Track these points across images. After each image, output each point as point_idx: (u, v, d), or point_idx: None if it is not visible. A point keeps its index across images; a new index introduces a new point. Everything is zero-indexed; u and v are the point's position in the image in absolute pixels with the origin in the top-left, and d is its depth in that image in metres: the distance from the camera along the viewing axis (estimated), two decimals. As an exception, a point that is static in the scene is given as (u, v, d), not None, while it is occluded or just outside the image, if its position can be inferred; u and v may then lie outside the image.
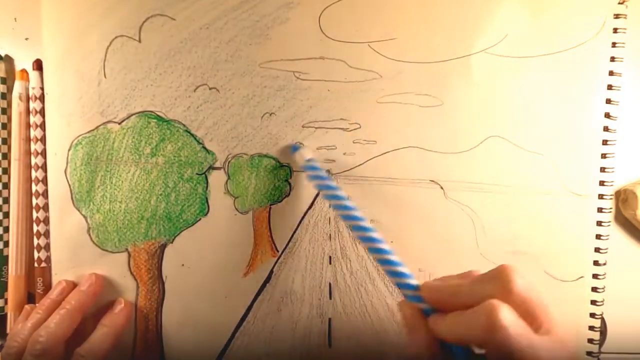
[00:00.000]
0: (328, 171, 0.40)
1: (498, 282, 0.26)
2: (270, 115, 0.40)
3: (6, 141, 0.41)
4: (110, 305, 0.39)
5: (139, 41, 0.39)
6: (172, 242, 0.40)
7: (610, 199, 0.41)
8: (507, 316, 0.24)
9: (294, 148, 0.39)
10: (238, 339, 0.41)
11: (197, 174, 0.40)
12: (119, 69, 0.39)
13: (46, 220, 0.40)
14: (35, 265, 0.40)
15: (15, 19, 0.41)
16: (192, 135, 0.40)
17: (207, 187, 0.40)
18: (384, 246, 0.31)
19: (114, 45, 0.39)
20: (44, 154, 0.40)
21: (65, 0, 0.38)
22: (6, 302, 0.41)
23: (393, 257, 0.30)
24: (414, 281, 0.29)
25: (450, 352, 0.27)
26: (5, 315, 0.41)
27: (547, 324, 0.26)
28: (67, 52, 0.39)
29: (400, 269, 0.30)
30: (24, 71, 0.41)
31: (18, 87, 0.40)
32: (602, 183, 0.40)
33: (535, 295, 0.26)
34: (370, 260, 0.41)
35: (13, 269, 0.40)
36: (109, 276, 0.40)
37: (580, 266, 0.41)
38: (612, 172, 0.40)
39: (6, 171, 0.41)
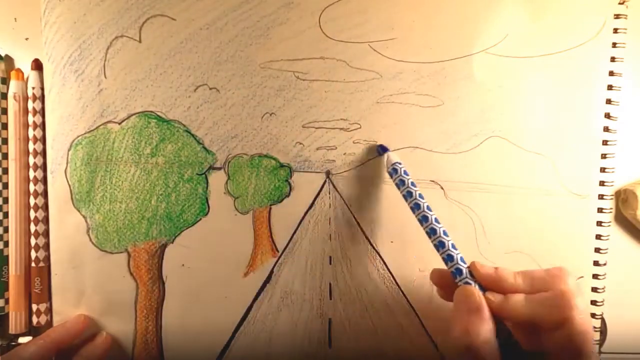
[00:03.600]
0: (328, 171, 0.40)
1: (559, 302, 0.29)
2: (271, 115, 0.40)
3: (7, 141, 0.41)
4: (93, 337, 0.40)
5: (139, 41, 0.39)
6: (172, 242, 0.40)
7: (611, 199, 0.41)
8: (581, 302, 0.28)
9: (382, 149, 0.39)
10: (238, 339, 0.41)
11: (197, 174, 0.40)
12: (119, 69, 0.39)
13: (44, 220, 0.40)
14: (33, 264, 0.40)
15: (15, 19, 0.41)
16: (192, 135, 0.40)
17: (207, 187, 0.40)
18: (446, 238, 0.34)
19: (115, 45, 0.39)
20: (43, 153, 0.40)
21: (66, 0, 0.38)
22: (7, 302, 0.41)
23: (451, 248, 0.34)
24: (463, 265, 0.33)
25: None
26: (6, 315, 0.41)
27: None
28: (67, 52, 0.39)
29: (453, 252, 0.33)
30: (19, 70, 0.40)
31: (13, 86, 0.40)
32: (602, 183, 0.40)
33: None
34: (371, 260, 0.41)
35: (13, 269, 0.40)
36: (108, 276, 0.40)
37: (580, 266, 0.41)
38: (612, 172, 0.40)
39: (6, 171, 0.41)
